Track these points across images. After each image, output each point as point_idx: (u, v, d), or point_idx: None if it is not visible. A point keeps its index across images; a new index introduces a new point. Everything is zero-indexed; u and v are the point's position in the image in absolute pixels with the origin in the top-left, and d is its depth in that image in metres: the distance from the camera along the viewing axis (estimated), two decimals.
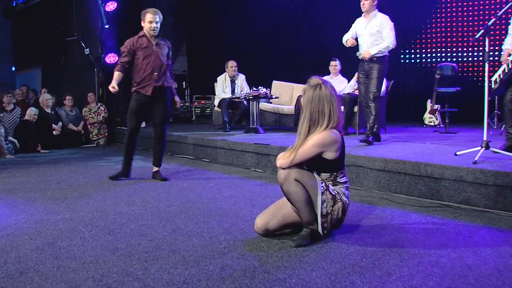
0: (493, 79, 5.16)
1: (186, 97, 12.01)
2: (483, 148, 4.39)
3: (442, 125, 8.81)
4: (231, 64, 8.84)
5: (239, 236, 3.24)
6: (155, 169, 5.58)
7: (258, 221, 3.20)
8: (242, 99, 8.13)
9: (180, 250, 2.93)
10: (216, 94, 8.88)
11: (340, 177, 3.22)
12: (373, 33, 5.91)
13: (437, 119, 9.05)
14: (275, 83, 9.40)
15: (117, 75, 5.27)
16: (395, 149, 5.39)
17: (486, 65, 4.59)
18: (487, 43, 4.49)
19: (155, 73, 5.27)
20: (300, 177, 3.04)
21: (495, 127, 8.06)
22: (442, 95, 7.95)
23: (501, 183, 3.79)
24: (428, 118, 9.14)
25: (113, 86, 5.23)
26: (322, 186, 3.08)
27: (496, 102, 8.14)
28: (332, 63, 8.51)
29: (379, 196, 4.47)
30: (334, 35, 10.97)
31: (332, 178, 3.19)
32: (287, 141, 6.25)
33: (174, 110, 11.63)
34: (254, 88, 8.07)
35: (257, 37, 11.74)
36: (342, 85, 8.32)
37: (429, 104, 9.11)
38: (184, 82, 11.98)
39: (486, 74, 4.61)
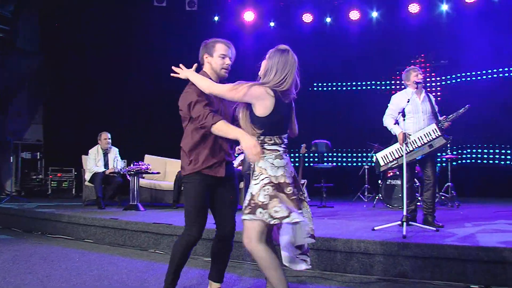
0: (380, 155, 5.71)
1: (40, 169, 10.79)
2: (404, 223, 4.76)
3: (309, 199, 9.33)
4: (105, 136, 8.28)
5: None
6: (216, 286, 3.57)
7: None
8: (125, 172, 7.59)
9: None
10: (88, 167, 8.14)
11: (270, 144, 3.03)
12: None
13: (304, 193, 9.54)
14: (147, 158, 9.02)
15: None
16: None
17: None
18: None
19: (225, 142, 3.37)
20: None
21: (366, 201, 8.84)
22: (318, 170, 8.52)
23: (437, 255, 4.10)
24: None
25: None
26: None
27: (366, 177, 8.97)
28: None
29: (309, 274, 4.47)
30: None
31: (260, 141, 3.02)
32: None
33: (27, 183, 10.36)
34: (135, 163, 7.64)
35: (126, 107, 11.37)
36: None
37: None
38: (38, 153, 10.76)
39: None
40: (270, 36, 11.84)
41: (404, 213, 4.84)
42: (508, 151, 10.04)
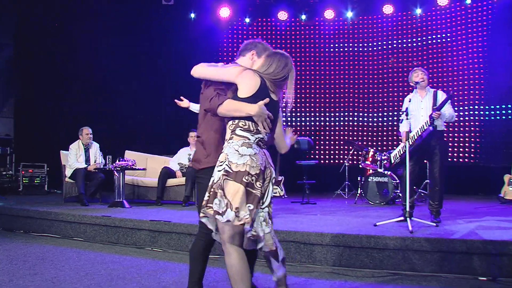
0: (392, 155, 5.90)
1: (9, 164, 10.34)
2: (408, 218, 4.89)
3: (285, 196, 9.44)
4: (86, 131, 8.05)
5: None
6: None
7: None
8: (112, 169, 7.37)
9: None
10: (69, 163, 7.86)
11: (242, 129, 2.90)
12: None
13: (282, 190, 9.63)
14: (128, 153, 8.81)
15: None
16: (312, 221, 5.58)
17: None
18: None
19: None
20: None
21: (346, 197, 9.00)
22: (302, 167, 8.60)
23: (446, 249, 4.24)
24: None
25: None
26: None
27: (346, 174, 9.13)
28: (191, 134, 8.47)
29: (320, 270, 4.53)
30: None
31: (233, 125, 2.92)
32: (174, 216, 5.95)
33: None
34: (121, 159, 7.47)
35: (102, 102, 11.10)
36: None
37: None
38: (8, 148, 10.31)
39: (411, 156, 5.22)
40: (245, 33, 11.86)
41: (407, 208, 4.98)
42: (466, 149, 10.48)
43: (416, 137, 5.48)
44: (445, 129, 5.73)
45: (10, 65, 11.03)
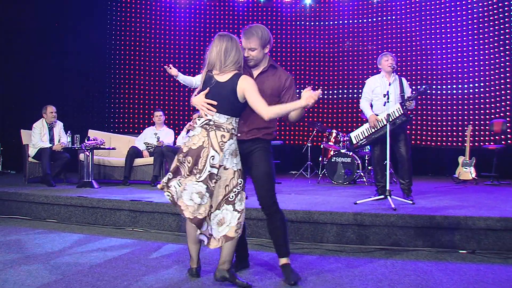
0: (353, 135, 6.11)
1: None
2: (389, 197, 5.14)
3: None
4: (51, 110, 7.76)
5: None
6: (282, 261, 3.49)
7: None
8: (83, 148, 7.14)
9: None
10: (33, 142, 7.54)
11: (235, 122, 3.33)
12: None
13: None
14: (91, 132, 8.55)
15: None
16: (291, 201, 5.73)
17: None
18: None
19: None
20: None
21: (308, 177, 9.22)
22: None
23: (428, 224, 4.53)
24: None
25: None
26: None
27: (309, 155, 9.33)
28: (156, 113, 8.39)
29: (308, 247, 4.69)
30: (157, 85, 11.08)
31: (233, 121, 3.32)
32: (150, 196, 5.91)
33: None
34: (90, 138, 7.26)
35: (64, 80, 10.66)
36: (171, 136, 8.26)
37: None
38: None
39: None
40: (204, 10, 11.77)
41: (387, 187, 5.23)
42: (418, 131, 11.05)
43: (385, 122, 5.70)
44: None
45: None
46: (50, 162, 7.41)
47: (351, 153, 8.44)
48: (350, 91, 11.71)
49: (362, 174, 8.59)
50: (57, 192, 6.29)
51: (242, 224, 3.35)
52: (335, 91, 11.84)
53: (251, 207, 4.51)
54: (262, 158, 3.38)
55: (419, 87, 5.83)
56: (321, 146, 9.13)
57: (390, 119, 5.57)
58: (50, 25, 10.58)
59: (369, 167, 8.90)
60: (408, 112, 5.86)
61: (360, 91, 11.18)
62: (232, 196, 3.29)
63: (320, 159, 9.09)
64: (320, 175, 8.90)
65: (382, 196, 5.31)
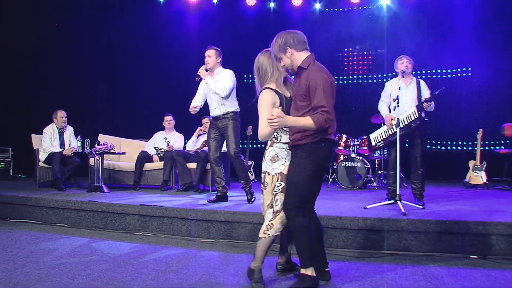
0: (372, 136, 6.08)
1: None
2: (399, 201, 5.11)
3: (256, 180, 9.54)
4: (61, 114, 7.83)
5: None
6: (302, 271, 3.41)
7: None
8: (93, 153, 7.18)
9: None
10: (43, 147, 7.62)
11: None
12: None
13: (252, 174, 9.72)
14: (102, 137, 8.60)
15: None
16: None
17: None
18: None
19: None
20: None
21: None
22: None
23: (439, 229, 4.49)
24: None
25: None
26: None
27: None
28: (167, 118, 8.41)
29: None
30: (167, 89, 11.12)
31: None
32: (160, 201, 5.94)
33: None
34: (100, 143, 7.30)
35: (74, 85, 10.74)
36: (181, 141, 8.28)
37: None
38: None
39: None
40: (214, 17, 11.78)
41: (397, 192, 5.20)
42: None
43: (401, 125, 5.67)
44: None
45: None
46: (61, 166, 7.47)
47: (361, 157, 8.41)
48: (360, 94, 11.64)
49: (372, 178, 8.54)
50: (67, 197, 6.34)
51: (276, 226, 3.40)
52: (345, 95, 11.77)
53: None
54: (291, 164, 3.42)
55: (436, 91, 5.72)
56: None
57: (401, 124, 5.56)
58: (59, 29, 10.66)
59: (379, 172, 8.87)
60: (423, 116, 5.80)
61: (370, 94, 11.29)
62: (273, 199, 3.44)
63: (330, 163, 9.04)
64: (330, 180, 8.87)
65: (392, 201, 5.28)
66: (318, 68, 3.38)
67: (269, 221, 3.40)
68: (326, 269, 3.58)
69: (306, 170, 3.32)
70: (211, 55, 5.94)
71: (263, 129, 3.30)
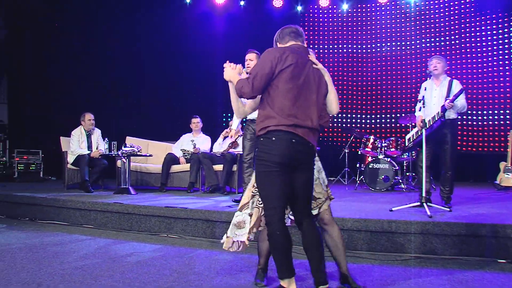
0: (407, 137, 6.02)
1: (3, 151, 10.20)
2: (425, 203, 5.03)
3: None
4: (89, 117, 7.97)
5: None
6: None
7: None
8: (120, 155, 7.31)
9: None
10: (71, 150, 7.78)
11: None
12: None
13: None
14: (129, 139, 8.73)
15: None
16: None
17: None
18: None
19: None
20: None
21: (346, 183, 9.12)
22: None
23: (465, 232, 4.39)
24: None
25: None
26: None
27: (346, 161, 9.24)
28: (194, 120, 8.46)
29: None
30: (194, 91, 11.22)
31: None
32: (185, 203, 5.98)
33: None
34: (126, 145, 7.42)
35: (100, 87, 10.99)
36: (207, 143, 8.32)
37: None
38: (2, 134, 10.13)
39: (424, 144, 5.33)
40: (241, 18, 11.82)
41: (424, 194, 5.10)
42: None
43: (428, 126, 5.57)
44: (458, 117, 5.81)
45: (2, 49, 10.77)
46: (88, 168, 7.61)
47: (388, 159, 8.28)
48: (389, 95, 11.49)
49: (400, 180, 8.41)
50: (94, 198, 6.44)
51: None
52: (374, 96, 11.64)
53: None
54: None
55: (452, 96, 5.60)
56: (359, 152, 9.00)
57: (427, 125, 5.47)
58: (88, 33, 10.85)
59: (407, 174, 8.72)
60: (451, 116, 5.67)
61: (399, 95, 11.16)
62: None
63: (358, 165, 8.96)
64: (358, 182, 8.77)
65: (418, 203, 5.18)
66: (280, 47, 3.24)
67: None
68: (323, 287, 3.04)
69: (259, 171, 3.00)
70: (252, 59, 5.80)
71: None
